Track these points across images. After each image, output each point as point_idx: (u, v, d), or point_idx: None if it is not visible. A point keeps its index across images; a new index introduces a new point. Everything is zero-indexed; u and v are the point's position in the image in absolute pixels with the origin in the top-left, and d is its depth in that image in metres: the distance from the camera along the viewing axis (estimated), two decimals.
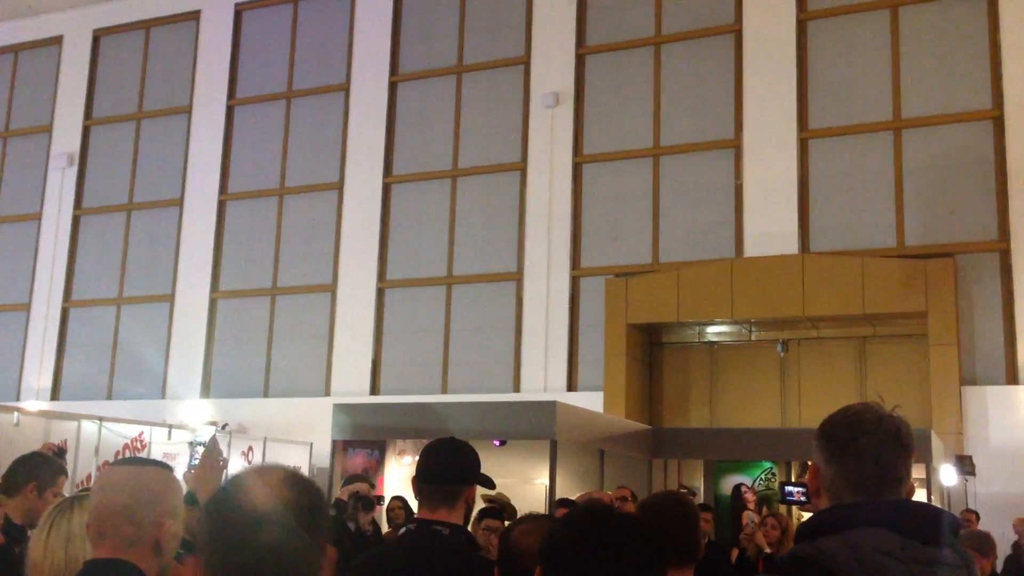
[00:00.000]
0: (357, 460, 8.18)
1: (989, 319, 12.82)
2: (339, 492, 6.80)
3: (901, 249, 13.39)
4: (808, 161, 14.24)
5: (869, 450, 2.26)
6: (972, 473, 11.38)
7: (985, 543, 7.08)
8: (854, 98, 14.15)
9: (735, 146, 14.65)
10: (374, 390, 15.94)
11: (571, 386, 14.76)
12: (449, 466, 3.26)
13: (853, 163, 14.04)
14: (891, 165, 13.77)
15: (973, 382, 12.50)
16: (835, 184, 14.07)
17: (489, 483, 3.35)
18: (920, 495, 9.42)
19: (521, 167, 15.97)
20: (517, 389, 14.95)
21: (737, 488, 10.62)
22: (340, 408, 8.59)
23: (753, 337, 14.51)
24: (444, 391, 15.37)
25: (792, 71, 14.40)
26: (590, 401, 13.72)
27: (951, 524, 2.20)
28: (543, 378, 14.86)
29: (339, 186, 17.04)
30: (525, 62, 16.28)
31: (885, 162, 13.82)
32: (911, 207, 13.55)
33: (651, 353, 14.91)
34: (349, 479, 7.20)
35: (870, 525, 2.15)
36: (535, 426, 8.23)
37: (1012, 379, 12.44)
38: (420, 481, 3.29)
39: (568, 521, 1.95)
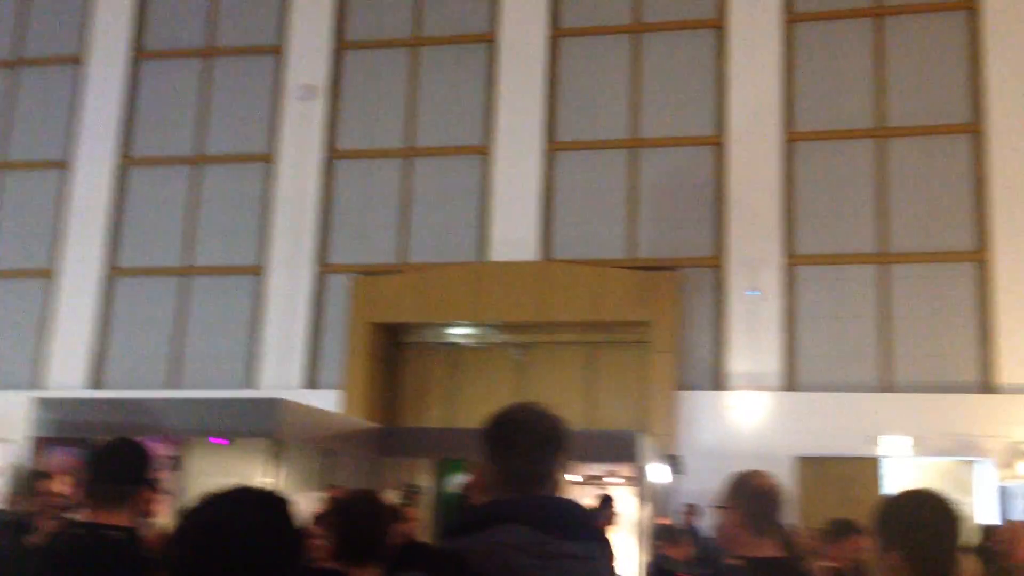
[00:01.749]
0: (57, 459, 7.59)
1: (703, 330, 13.88)
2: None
3: (632, 261, 14.22)
4: (554, 172, 14.82)
5: (524, 448, 2.37)
6: (682, 471, 12.26)
7: (675, 534, 7.70)
8: (599, 115, 14.89)
9: (485, 152, 15.00)
10: (97, 384, 14.96)
11: (311, 384, 14.54)
12: (119, 467, 3.13)
13: (594, 177, 14.75)
14: (627, 181, 14.59)
15: (687, 387, 13.48)
16: (577, 195, 14.72)
17: (154, 485, 3.24)
18: (627, 493, 10.07)
19: (270, 158, 15.56)
20: (255, 386, 14.54)
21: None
22: (42, 403, 7.98)
23: (493, 340, 14.90)
24: (174, 386, 14.67)
25: (544, 83, 14.94)
26: (330, 400, 13.58)
27: (583, 518, 2.35)
28: (282, 375, 14.54)
29: (65, 166, 15.88)
30: (279, 51, 15.88)
31: (623, 178, 14.63)
32: (643, 222, 14.43)
33: (393, 353, 14.96)
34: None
35: (512, 521, 2.25)
36: (258, 424, 8.02)
37: (720, 385, 13.53)
38: (89, 482, 3.14)
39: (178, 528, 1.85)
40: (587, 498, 10.69)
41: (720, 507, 3.35)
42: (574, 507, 2.38)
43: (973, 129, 13.65)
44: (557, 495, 2.39)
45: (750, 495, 3.23)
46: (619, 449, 10.04)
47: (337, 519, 3.33)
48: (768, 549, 3.18)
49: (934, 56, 14.06)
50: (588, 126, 14.91)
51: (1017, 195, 13.24)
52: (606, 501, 8.81)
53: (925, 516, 2.62)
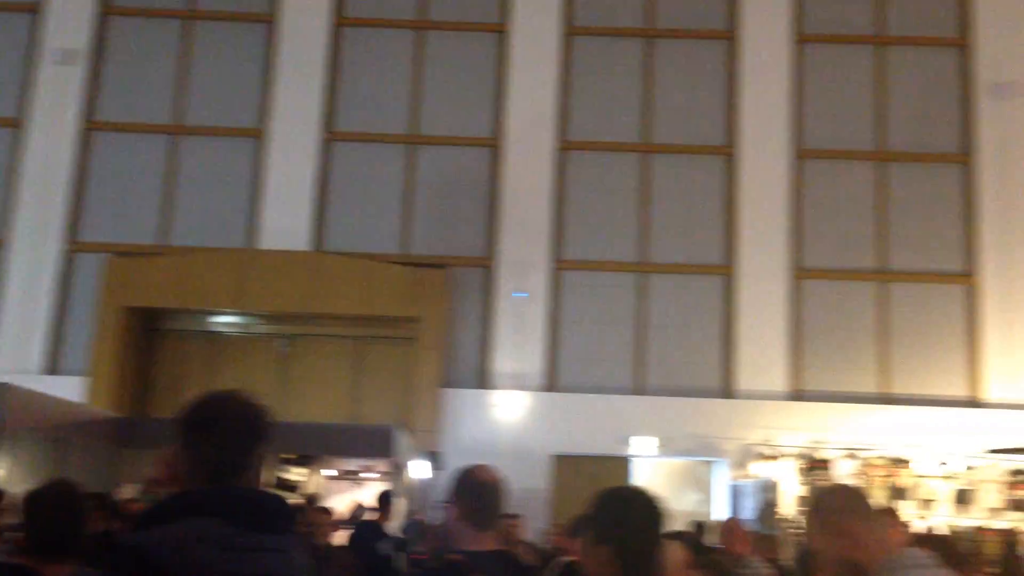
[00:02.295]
0: None
1: (471, 329, 14.07)
2: None
3: (405, 257, 14.20)
4: (330, 162, 14.55)
5: (224, 437, 2.28)
6: (442, 467, 12.36)
7: (422, 529, 7.75)
8: (380, 108, 14.76)
9: (259, 136, 14.52)
10: None
11: (52, 369, 13.53)
12: None
13: (371, 170, 14.62)
14: (404, 176, 14.56)
15: (452, 385, 13.62)
16: (353, 187, 14.53)
17: None
18: (383, 488, 10.02)
19: (19, 124, 14.36)
20: None
21: None
22: None
23: (257, 330, 14.44)
24: None
25: (324, 71, 14.65)
26: (73, 387, 12.68)
27: (278, 511, 2.28)
28: (20, 359, 13.43)
29: None
30: (36, 10, 14.69)
31: (399, 173, 14.58)
32: (417, 218, 14.45)
33: (148, 339, 14.17)
34: None
35: (204, 514, 2.14)
36: None
37: (485, 384, 13.77)
38: None
39: None
40: (364, 494, 10.58)
41: (445, 503, 3.37)
42: (269, 499, 2.30)
43: (727, 152, 14.63)
44: (254, 487, 2.30)
45: (471, 490, 3.25)
46: (376, 444, 9.99)
47: (28, 512, 3.07)
48: (488, 543, 3.22)
49: (694, 77, 14.97)
50: (368, 118, 14.76)
51: (762, 212, 14.29)
52: (384, 497, 8.74)
53: (632, 512, 2.73)
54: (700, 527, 7.10)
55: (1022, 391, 13.59)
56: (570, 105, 14.78)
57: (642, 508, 2.73)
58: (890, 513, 8.26)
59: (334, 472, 10.03)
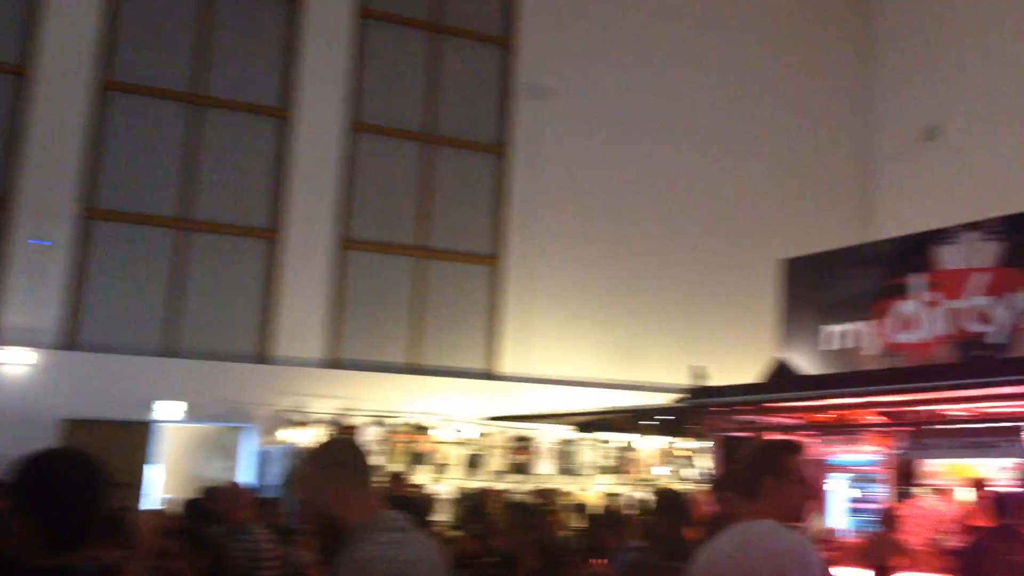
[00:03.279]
0: None
1: None
2: None
3: None
4: None
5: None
6: None
7: None
8: None
9: None
10: None
11: None
12: None
13: None
14: None
15: None
16: None
17: None
18: None
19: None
20: None
21: None
22: None
23: None
24: None
25: None
26: None
27: None
28: None
29: None
30: None
31: None
32: None
33: None
34: None
35: None
36: None
37: None
38: None
39: None
40: None
41: None
42: None
43: (282, 114, 14.41)
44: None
45: None
46: None
47: None
48: None
49: (253, 37, 14.55)
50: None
51: (311, 181, 14.31)
52: None
53: (59, 479, 2.47)
54: (211, 493, 6.87)
55: (531, 365, 15.07)
56: (116, 42, 13.60)
57: (72, 473, 2.49)
58: (399, 476, 8.72)
59: None
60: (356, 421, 13.27)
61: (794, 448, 3.59)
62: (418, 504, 5.52)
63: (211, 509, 6.22)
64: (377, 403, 13.50)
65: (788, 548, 2.91)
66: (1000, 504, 7.39)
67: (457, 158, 15.58)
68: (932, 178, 16.41)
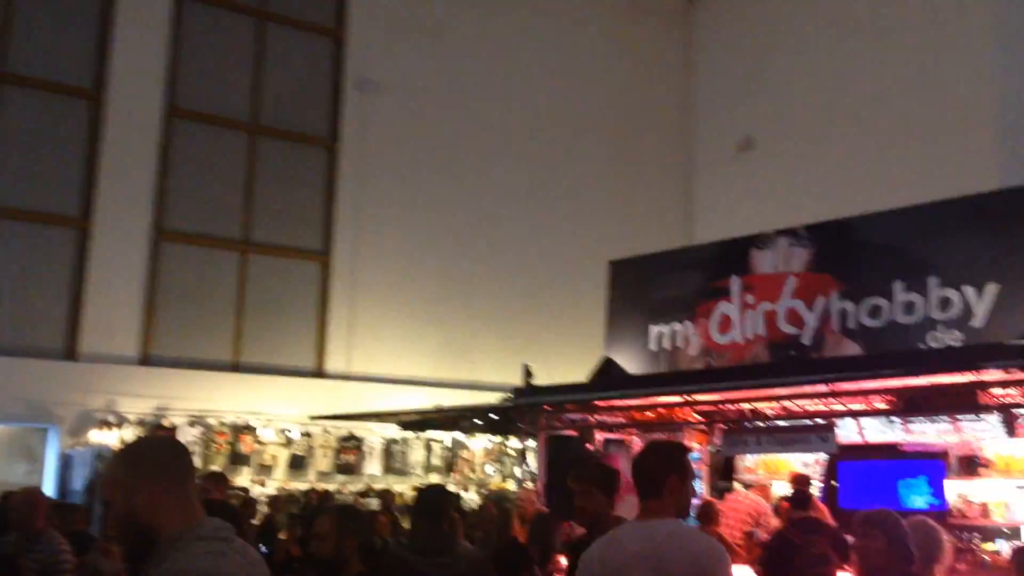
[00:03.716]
0: None
1: None
2: None
3: None
4: None
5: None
6: None
7: None
8: None
9: None
10: None
11: None
12: None
13: None
14: None
15: None
16: None
17: None
18: None
19: None
20: None
21: None
22: None
23: None
24: None
25: None
26: None
27: None
28: None
29: None
30: None
31: None
32: None
33: None
34: None
35: None
36: None
37: None
38: None
39: None
40: None
41: None
42: None
43: (93, 96, 13.53)
44: None
45: None
46: None
47: None
48: None
49: (60, 6, 13.60)
50: None
51: (124, 168, 13.47)
52: None
53: None
54: (5, 499, 6.31)
55: (360, 363, 14.79)
56: None
57: None
58: (218, 477, 8.29)
59: None
60: (173, 421, 12.62)
61: (687, 448, 3.87)
62: (235, 510, 5.24)
63: (5, 516, 5.70)
64: (196, 402, 12.89)
65: (704, 549, 3.06)
66: (804, 497, 7.77)
67: (285, 150, 15.09)
68: (747, 187, 17.19)
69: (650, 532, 3.15)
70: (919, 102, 14.75)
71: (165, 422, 12.59)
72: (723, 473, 10.66)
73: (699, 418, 9.85)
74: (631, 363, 11.19)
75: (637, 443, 10.74)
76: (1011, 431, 7.77)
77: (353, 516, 4.35)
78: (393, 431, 13.90)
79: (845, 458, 9.35)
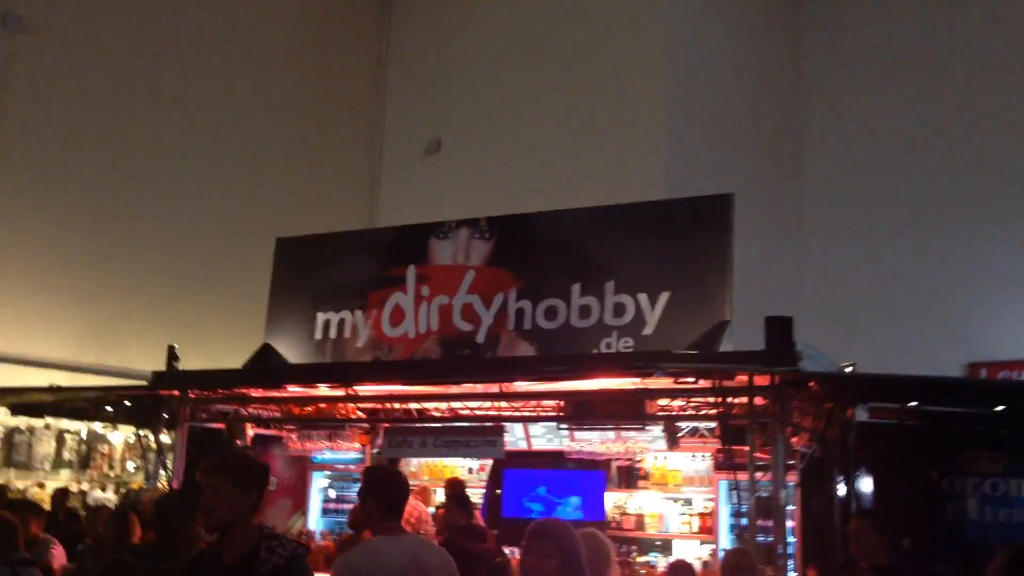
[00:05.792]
0: None
1: None
2: None
3: None
4: None
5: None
6: None
7: None
8: None
9: None
10: None
11: None
12: None
13: None
14: None
15: None
16: None
17: None
18: None
19: None
20: None
21: None
22: None
23: None
24: None
25: None
26: None
27: None
28: None
29: None
30: None
31: None
32: None
33: None
34: None
35: None
36: None
37: None
38: None
39: None
40: None
41: None
42: None
43: None
44: None
45: None
46: None
47: None
48: None
49: None
50: None
51: None
52: None
53: None
54: None
55: None
56: None
57: None
58: None
59: None
60: None
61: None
62: None
63: None
64: None
65: (448, 560, 3.87)
66: (464, 502, 7.34)
67: None
68: (433, 184, 16.87)
69: (407, 544, 3.87)
70: (597, 110, 15.05)
71: None
72: None
73: (362, 415, 9.05)
74: (293, 352, 10.10)
75: (295, 440, 9.76)
76: (673, 442, 7.66)
77: None
78: (16, 419, 11.83)
79: (511, 465, 8.92)
